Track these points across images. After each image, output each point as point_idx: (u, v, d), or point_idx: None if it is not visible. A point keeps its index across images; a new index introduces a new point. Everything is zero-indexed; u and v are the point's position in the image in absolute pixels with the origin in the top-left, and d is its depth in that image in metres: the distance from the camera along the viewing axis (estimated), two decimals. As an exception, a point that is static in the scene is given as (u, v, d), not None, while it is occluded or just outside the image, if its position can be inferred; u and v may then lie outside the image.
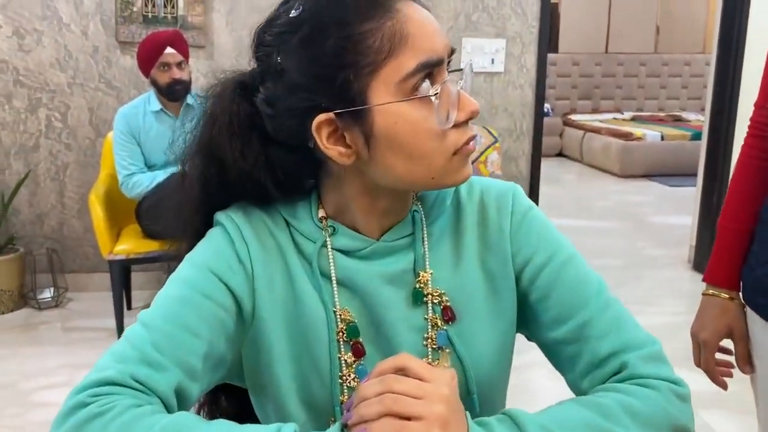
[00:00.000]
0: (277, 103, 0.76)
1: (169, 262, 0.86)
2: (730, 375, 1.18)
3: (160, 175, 2.97)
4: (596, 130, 7.62)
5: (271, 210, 0.83)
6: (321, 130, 0.74)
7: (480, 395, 0.83)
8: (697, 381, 1.23)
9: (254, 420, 0.87)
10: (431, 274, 0.83)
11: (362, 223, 0.82)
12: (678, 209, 5.39)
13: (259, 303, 0.80)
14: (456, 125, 0.75)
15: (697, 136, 5.04)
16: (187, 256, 0.81)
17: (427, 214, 0.85)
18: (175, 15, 3.44)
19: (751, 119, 1.18)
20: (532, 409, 0.76)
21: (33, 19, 3.40)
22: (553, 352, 0.86)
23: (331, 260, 0.82)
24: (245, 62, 0.82)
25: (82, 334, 3.17)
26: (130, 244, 3.03)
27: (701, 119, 6.28)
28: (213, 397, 0.96)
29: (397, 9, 0.72)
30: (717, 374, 1.18)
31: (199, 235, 0.84)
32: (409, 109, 0.72)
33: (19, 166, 3.52)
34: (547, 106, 8.25)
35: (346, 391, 0.81)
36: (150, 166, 3.09)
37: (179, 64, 2.96)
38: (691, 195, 4.29)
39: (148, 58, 2.93)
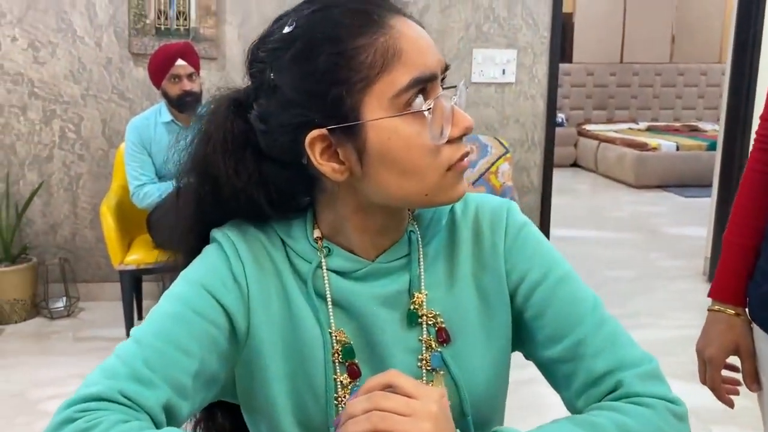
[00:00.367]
0: (270, 120, 0.75)
1: (163, 279, 0.86)
2: (737, 393, 1.16)
3: (171, 186, 2.98)
4: (611, 140, 7.58)
5: (267, 228, 0.83)
6: (314, 146, 0.74)
7: (475, 416, 0.82)
8: (708, 396, 1.21)
9: None
10: (426, 295, 0.83)
11: (357, 242, 0.82)
12: (693, 220, 5.34)
13: (255, 322, 0.79)
14: (450, 141, 0.74)
15: (713, 147, 4.99)
16: (182, 273, 0.81)
17: (423, 234, 0.85)
18: (187, 27, 3.47)
19: (757, 132, 1.16)
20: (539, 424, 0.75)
21: (48, 31, 3.44)
22: (548, 371, 0.85)
23: (326, 281, 0.81)
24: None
25: (93, 343, 3.18)
26: (141, 255, 3.04)
27: (717, 129, 6.24)
28: (209, 413, 0.95)
29: (390, 25, 0.72)
30: (723, 392, 1.16)
31: (195, 251, 0.83)
32: (402, 124, 0.72)
33: (33, 177, 3.56)
34: (561, 116, 8.23)
35: (343, 410, 0.80)
36: (161, 177, 3.11)
37: (190, 76, 2.98)
38: (707, 206, 4.25)
39: (159, 69, 2.96)
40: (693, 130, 7.94)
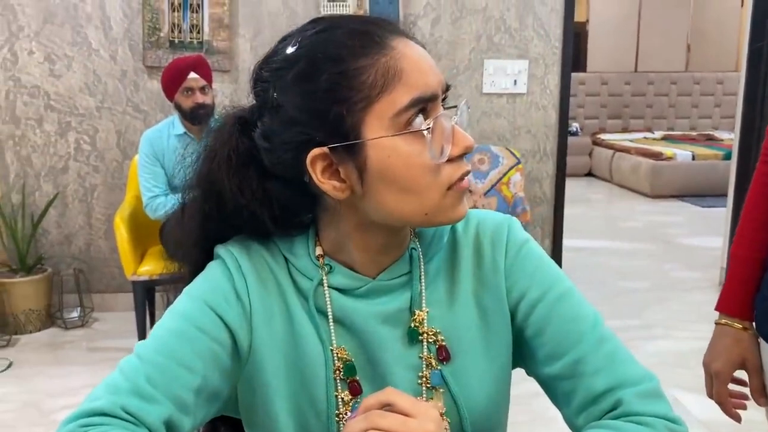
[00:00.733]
0: (273, 138, 0.76)
1: (167, 292, 0.87)
2: (744, 407, 1.15)
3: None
4: (626, 150, 7.54)
5: (270, 245, 0.84)
6: (315, 164, 0.75)
7: None
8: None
9: None
10: (427, 312, 0.83)
11: (358, 260, 0.82)
12: (710, 230, 5.28)
13: (257, 338, 0.80)
14: (450, 160, 0.75)
15: (729, 156, 4.94)
16: (186, 289, 0.82)
17: (425, 251, 0.85)
18: (200, 40, 3.50)
19: (764, 146, 1.16)
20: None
21: (64, 45, 3.49)
22: (549, 388, 0.85)
23: (327, 299, 0.81)
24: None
25: (106, 354, 3.21)
26: (154, 265, 3.07)
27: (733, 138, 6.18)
28: (211, 427, 0.96)
29: (392, 46, 0.73)
30: (730, 406, 1.15)
31: (199, 267, 0.84)
32: (402, 143, 0.73)
33: (49, 188, 3.61)
34: (575, 125, 8.20)
35: (341, 429, 0.80)
36: (173, 189, 3.13)
37: (202, 89, 3.01)
38: (724, 216, 4.21)
39: (172, 82, 2.99)
40: (709, 139, 7.87)
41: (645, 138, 8.16)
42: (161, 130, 3.11)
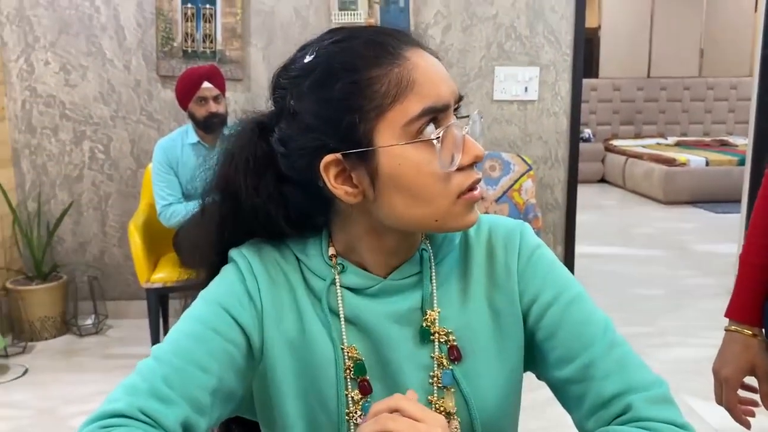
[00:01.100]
0: (289, 143, 0.79)
1: (186, 300, 0.89)
2: (752, 414, 1.15)
3: (197, 206, 3.04)
4: (639, 156, 7.51)
5: (282, 247, 0.86)
6: (329, 169, 0.77)
7: None
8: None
9: None
10: (438, 312, 0.84)
11: (370, 261, 0.84)
12: (724, 237, 5.24)
13: (268, 338, 0.82)
14: (460, 169, 0.76)
15: (744, 162, 4.92)
16: (201, 292, 0.84)
17: (436, 253, 0.86)
18: (213, 49, 3.54)
19: (772, 152, 1.16)
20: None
21: (79, 55, 3.54)
22: (559, 391, 0.85)
23: (339, 298, 0.83)
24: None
25: (120, 361, 3.24)
26: (167, 273, 3.10)
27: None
28: (225, 429, 0.97)
29: (405, 57, 0.75)
30: (739, 412, 1.15)
31: (216, 270, 0.86)
32: (413, 151, 0.74)
33: (64, 196, 3.65)
34: (588, 131, 8.18)
35: (352, 428, 0.82)
36: (187, 197, 3.16)
37: (216, 98, 3.04)
38: (738, 222, 4.18)
39: (186, 92, 3.02)
40: (723, 145, 7.83)
41: (658, 144, 8.12)
42: (175, 139, 3.14)
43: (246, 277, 0.82)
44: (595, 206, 6.79)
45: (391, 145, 0.74)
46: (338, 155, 0.76)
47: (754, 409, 1.17)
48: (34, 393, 2.90)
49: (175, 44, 3.52)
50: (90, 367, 3.19)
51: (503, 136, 3.72)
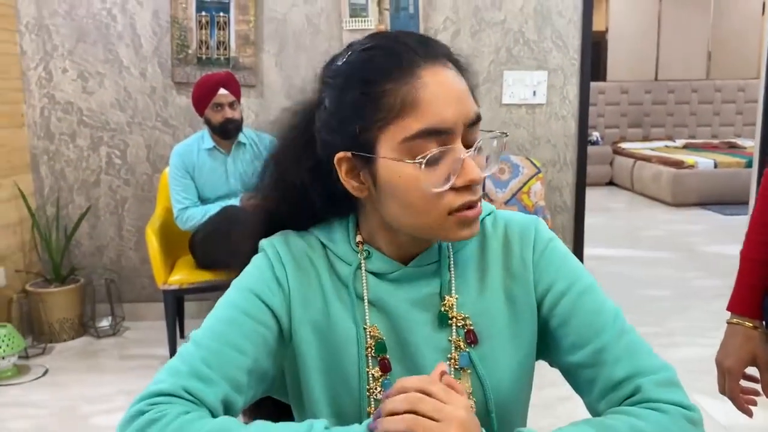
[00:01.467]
0: (321, 133, 0.87)
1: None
2: (754, 403, 1.19)
3: (213, 209, 3.11)
4: (647, 159, 7.53)
5: (308, 236, 0.94)
6: (341, 164, 0.85)
7: (498, 415, 0.88)
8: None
9: None
10: (456, 298, 0.90)
11: (388, 251, 0.91)
12: (732, 239, 5.26)
13: (295, 320, 0.89)
14: (455, 189, 0.81)
15: (752, 163, 4.94)
16: (233, 281, 0.91)
17: (453, 243, 0.92)
18: (227, 56, 3.61)
19: (771, 151, 1.21)
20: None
21: (96, 63, 3.62)
22: (572, 376, 0.91)
23: (364, 282, 0.90)
24: (293, 100, 0.95)
25: (137, 361, 3.30)
26: (184, 275, 3.16)
27: (755, 146, 6.15)
28: (255, 405, 1.03)
29: (419, 75, 0.79)
30: (742, 402, 1.19)
31: (248, 260, 0.94)
32: (406, 167, 0.80)
33: (81, 201, 3.73)
34: (596, 134, 8.21)
35: (372, 403, 0.88)
36: (203, 200, 3.23)
37: (231, 104, 3.11)
38: (746, 224, 4.19)
39: (202, 98, 3.09)
40: (731, 147, 7.84)
41: (666, 146, 8.14)
42: (191, 145, 3.21)
43: (274, 264, 0.90)
44: (604, 209, 6.82)
45: (389, 158, 0.80)
46: (348, 153, 0.83)
47: (756, 398, 1.22)
48: (54, 393, 2.97)
49: (189, 51, 3.60)
50: (108, 367, 3.26)
51: (512, 140, 3.77)
